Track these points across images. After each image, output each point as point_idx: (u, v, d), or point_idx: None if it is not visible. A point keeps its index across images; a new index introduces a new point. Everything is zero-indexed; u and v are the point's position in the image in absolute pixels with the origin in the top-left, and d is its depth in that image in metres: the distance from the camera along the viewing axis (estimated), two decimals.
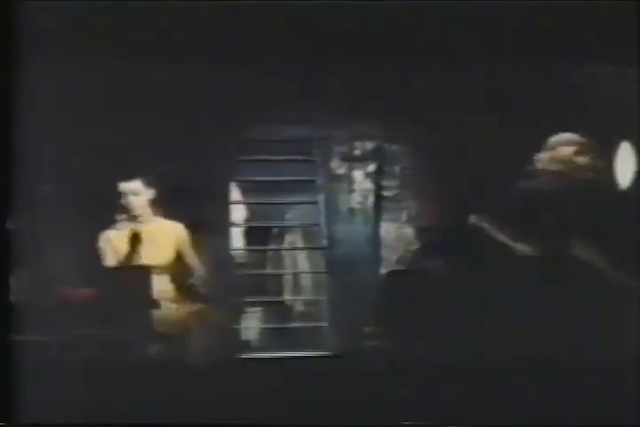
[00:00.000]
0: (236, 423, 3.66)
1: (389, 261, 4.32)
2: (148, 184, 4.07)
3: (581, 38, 3.91)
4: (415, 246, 4.30)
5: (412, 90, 4.12)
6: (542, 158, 4.18)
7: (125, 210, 4.05)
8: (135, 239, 4.04)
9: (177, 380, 3.80)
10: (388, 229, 4.36)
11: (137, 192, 4.07)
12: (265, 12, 3.84)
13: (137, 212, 4.06)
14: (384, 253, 4.33)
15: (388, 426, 3.81)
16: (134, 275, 4.02)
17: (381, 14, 3.88)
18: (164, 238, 4.11)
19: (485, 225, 4.09)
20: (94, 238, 4.02)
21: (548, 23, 3.89)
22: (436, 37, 3.93)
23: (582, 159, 4.17)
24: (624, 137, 4.19)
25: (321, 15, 3.84)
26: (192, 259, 4.15)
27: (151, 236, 4.09)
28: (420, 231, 4.31)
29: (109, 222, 4.05)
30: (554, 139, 4.17)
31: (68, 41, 3.71)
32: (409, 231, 4.33)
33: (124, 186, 4.03)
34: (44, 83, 3.74)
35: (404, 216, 4.35)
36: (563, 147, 4.17)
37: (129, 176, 4.05)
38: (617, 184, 4.22)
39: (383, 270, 4.30)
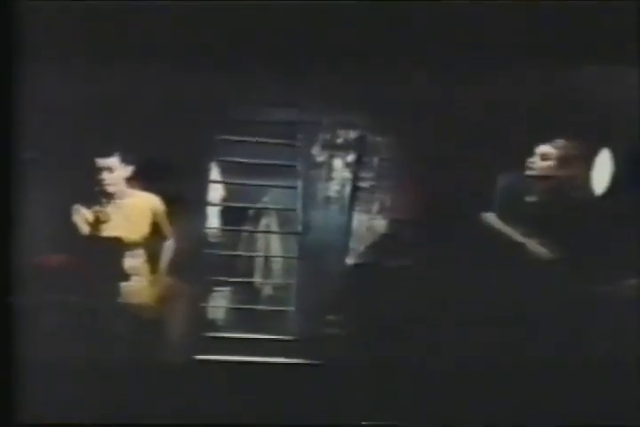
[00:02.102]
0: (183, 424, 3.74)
1: (360, 251, 4.35)
2: (126, 161, 4.10)
3: (582, 38, 3.91)
4: (385, 238, 4.34)
5: (400, 84, 4.13)
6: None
7: (101, 185, 4.09)
8: (100, 220, 4.08)
9: (139, 355, 3.87)
10: (360, 219, 4.39)
11: (113, 169, 4.09)
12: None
13: (111, 189, 4.10)
14: (355, 242, 4.36)
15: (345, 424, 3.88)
16: (107, 248, 4.07)
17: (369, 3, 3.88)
18: (138, 212, 4.15)
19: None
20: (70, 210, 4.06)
21: (548, 23, 3.89)
22: (432, 36, 3.93)
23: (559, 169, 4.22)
24: (609, 142, 4.20)
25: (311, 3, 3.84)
26: (167, 231, 4.18)
27: (126, 210, 4.12)
28: (391, 223, 4.34)
29: (86, 195, 4.09)
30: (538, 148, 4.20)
31: (69, 41, 3.73)
32: (380, 223, 4.36)
33: (101, 162, 4.06)
34: (44, 81, 3.76)
35: (377, 207, 4.38)
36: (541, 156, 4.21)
37: (107, 152, 4.08)
38: (591, 190, 4.25)
39: (353, 260, 4.34)
